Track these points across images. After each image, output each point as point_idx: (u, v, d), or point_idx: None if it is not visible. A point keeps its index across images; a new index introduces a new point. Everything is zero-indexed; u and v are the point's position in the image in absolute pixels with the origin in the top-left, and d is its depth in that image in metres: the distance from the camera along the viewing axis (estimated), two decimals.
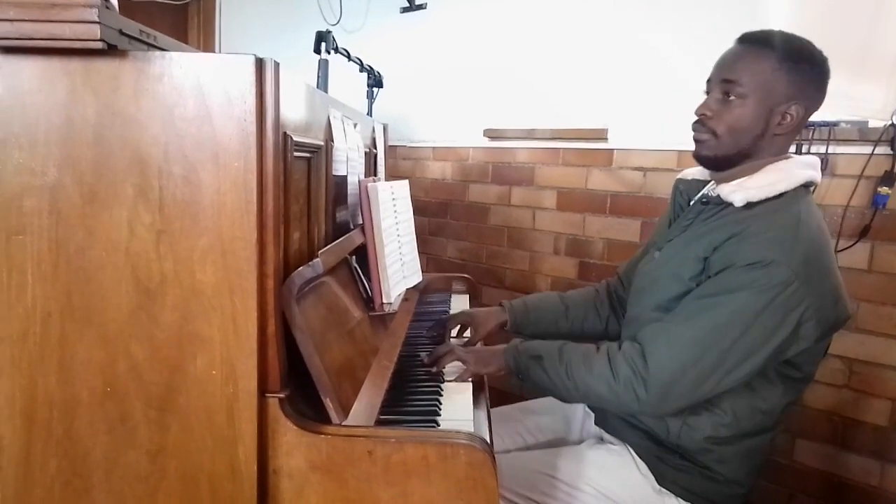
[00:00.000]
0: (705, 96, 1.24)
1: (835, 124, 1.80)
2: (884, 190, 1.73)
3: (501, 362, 1.31)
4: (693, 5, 2.10)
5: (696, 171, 1.36)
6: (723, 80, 1.20)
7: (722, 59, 1.23)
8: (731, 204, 1.18)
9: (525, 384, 1.28)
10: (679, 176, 1.40)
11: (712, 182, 1.29)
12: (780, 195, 1.16)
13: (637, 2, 2.25)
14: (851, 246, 1.81)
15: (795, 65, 1.16)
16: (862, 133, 1.77)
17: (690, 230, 1.25)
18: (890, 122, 1.71)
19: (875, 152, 1.75)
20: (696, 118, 1.24)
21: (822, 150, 1.82)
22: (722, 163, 1.24)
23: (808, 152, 1.83)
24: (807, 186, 1.20)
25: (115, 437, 0.92)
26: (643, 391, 1.12)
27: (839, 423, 1.88)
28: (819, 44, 1.19)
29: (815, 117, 1.77)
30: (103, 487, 0.93)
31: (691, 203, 1.32)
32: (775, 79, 1.16)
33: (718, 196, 1.21)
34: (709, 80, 1.24)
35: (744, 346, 1.09)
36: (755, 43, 1.19)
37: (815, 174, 1.20)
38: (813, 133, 1.82)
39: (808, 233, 1.12)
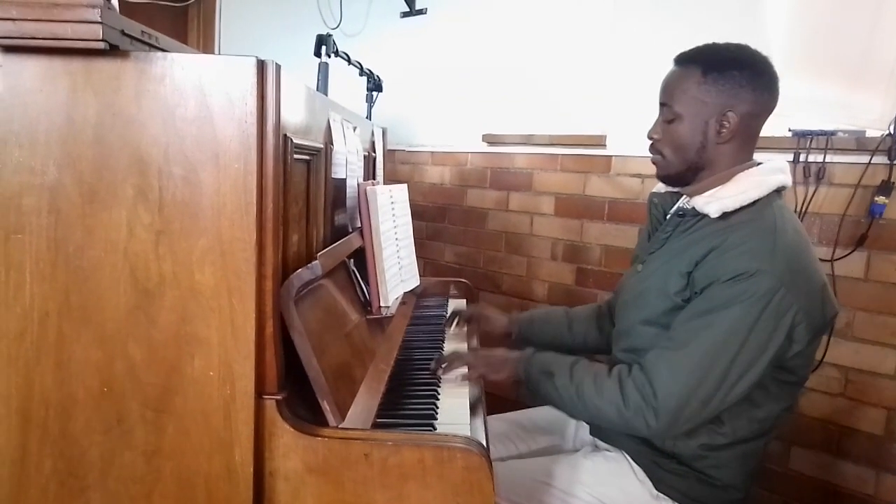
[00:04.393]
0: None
1: (832, 133, 1.81)
2: (881, 199, 1.74)
3: (512, 371, 1.30)
4: (692, 13, 2.10)
5: None
6: (661, 104, 1.25)
7: (662, 83, 1.26)
8: (706, 215, 1.18)
9: (534, 397, 1.28)
10: (653, 189, 1.42)
11: (685, 195, 1.30)
12: (754, 203, 1.16)
13: (636, 9, 2.25)
14: (848, 255, 1.81)
15: (721, 74, 1.18)
16: (859, 142, 1.77)
17: (670, 243, 1.26)
18: (887, 132, 1.72)
19: (872, 162, 1.75)
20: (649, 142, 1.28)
21: (820, 158, 1.83)
22: (678, 179, 1.27)
23: (807, 161, 1.84)
24: (778, 191, 1.21)
25: (111, 437, 0.92)
26: (653, 419, 1.12)
27: (834, 432, 1.88)
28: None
29: (813, 126, 1.81)
30: (99, 488, 0.93)
31: (668, 216, 1.33)
32: (702, 92, 1.19)
33: (693, 208, 1.22)
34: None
35: (743, 359, 1.10)
36: (683, 62, 1.23)
37: (786, 178, 1.21)
38: (811, 142, 1.83)
39: (785, 237, 1.13)
